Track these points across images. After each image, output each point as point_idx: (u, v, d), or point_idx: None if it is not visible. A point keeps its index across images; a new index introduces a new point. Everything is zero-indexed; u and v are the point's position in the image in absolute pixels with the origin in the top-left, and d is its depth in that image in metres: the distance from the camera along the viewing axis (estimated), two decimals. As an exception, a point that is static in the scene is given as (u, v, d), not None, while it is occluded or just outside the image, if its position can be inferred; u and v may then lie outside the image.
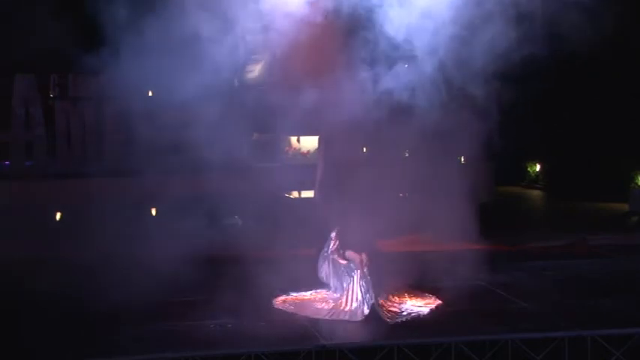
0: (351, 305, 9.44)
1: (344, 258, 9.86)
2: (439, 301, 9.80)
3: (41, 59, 13.96)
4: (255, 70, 13.09)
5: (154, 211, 13.93)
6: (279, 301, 9.97)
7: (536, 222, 15.75)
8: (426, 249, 12.72)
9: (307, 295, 10.11)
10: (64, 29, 12.63)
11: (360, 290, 9.44)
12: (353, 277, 9.57)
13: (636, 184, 16.57)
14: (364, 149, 12.61)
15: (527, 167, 19.95)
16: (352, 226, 9.92)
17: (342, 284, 9.74)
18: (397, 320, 9.26)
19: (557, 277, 11.06)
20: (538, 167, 19.73)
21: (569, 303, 9.82)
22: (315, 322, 9.11)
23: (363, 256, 9.64)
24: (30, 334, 8.80)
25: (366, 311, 9.29)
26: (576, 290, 10.43)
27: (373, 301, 9.31)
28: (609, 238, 13.58)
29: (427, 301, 9.84)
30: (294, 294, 10.10)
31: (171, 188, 12.91)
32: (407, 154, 12.72)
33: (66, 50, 13.08)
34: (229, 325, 9.02)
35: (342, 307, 9.48)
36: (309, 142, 14.87)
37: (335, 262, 9.89)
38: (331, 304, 9.62)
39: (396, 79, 10.05)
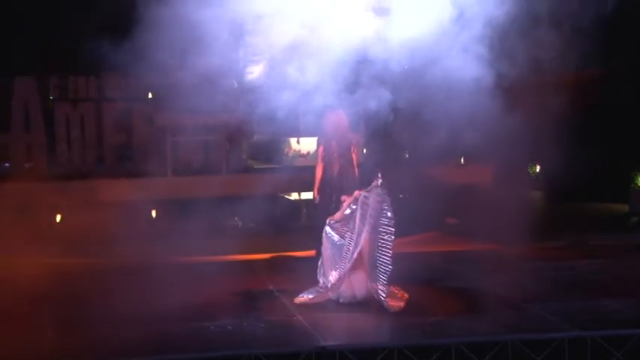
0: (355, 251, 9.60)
1: (342, 212, 9.92)
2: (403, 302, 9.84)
3: (41, 61, 13.98)
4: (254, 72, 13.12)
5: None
6: (299, 300, 9.96)
7: (537, 223, 15.74)
8: (426, 250, 12.76)
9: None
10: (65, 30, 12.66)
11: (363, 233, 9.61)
12: (355, 222, 9.66)
13: (636, 184, 16.55)
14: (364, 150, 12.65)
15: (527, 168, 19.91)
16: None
17: (342, 252, 9.79)
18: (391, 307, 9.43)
19: (558, 278, 11.05)
20: (538, 168, 19.71)
21: (569, 304, 9.80)
22: (315, 323, 9.11)
23: (356, 192, 9.83)
24: (33, 336, 8.81)
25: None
26: (576, 291, 10.42)
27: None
28: (609, 238, 13.58)
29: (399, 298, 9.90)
30: (312, 294, 10.06)
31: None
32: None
33: (66, 51, 13.10)
34: (229, 327, 9.02)
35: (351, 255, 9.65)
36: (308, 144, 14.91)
37: (333, 234, 9.90)
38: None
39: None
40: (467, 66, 10.01)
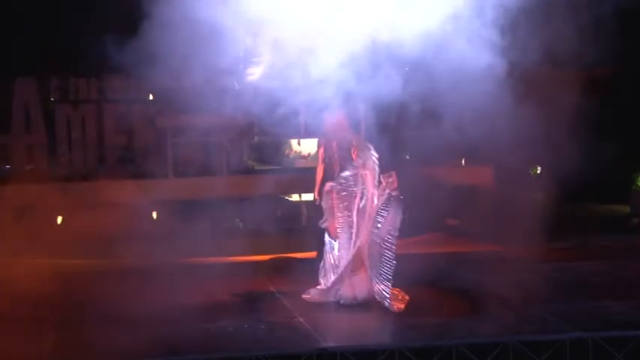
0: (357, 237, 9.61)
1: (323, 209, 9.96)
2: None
3: (41, 62, 13.98)
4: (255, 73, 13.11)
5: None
6: (306, 296, 9.97)
7: (538, 224, 15.71)
8: (428, 251, 12.74)
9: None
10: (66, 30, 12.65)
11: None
12: (352, 208, 9.71)
13: (637, 185, 16.54)
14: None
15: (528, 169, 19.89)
16: None
17: (340, 252, 9.81)
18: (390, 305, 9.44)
19: (559, 279, 11.03)
20: (539, 169, 19.69)
21: (570, 305, 9.79)
22: (316, 325, 9.10)
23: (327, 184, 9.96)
24: (34, 337, 8.81)
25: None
26: (577, 292, 10.40)
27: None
28: (610, 239, 13.56)
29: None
30: (313, 295, 10.05)
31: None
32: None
33: (66, 52, 13.09)
34: (230, 328, 9.01)
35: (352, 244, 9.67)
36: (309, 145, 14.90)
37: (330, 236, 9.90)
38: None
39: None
40: (472, 58, 9.98)
